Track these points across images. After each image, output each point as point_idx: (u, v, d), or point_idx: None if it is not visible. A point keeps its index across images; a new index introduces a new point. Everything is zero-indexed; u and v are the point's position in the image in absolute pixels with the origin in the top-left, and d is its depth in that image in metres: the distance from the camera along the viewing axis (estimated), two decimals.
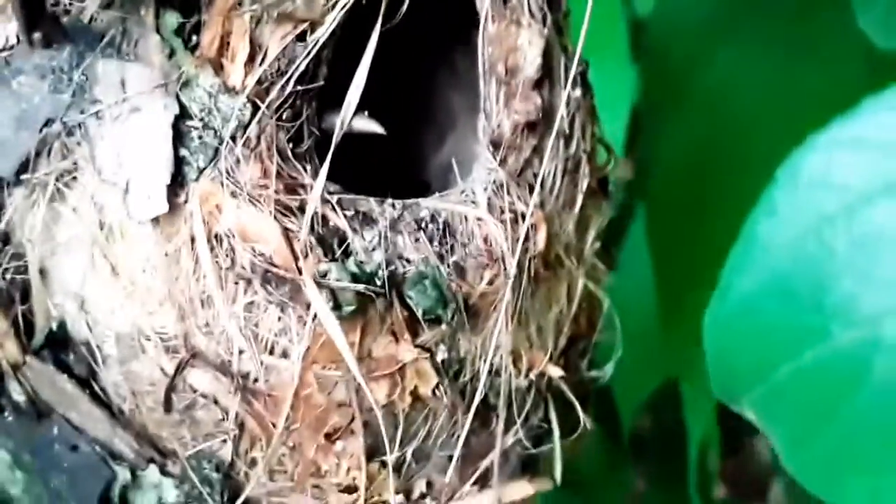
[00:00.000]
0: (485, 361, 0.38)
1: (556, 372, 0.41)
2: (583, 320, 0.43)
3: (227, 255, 0.36)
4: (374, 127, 0.39)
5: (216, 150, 0.36)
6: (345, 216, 0.37)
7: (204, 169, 0.36)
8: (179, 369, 0.36)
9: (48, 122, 0.36)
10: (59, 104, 0.36)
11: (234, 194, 0.36)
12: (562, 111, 0.40)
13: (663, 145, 0.58)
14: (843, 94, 0.57)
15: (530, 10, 0.40)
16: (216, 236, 0.36)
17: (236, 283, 0.36)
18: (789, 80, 0.58)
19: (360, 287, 0.36)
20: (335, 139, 0.37)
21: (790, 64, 0.57)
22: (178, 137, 0.36)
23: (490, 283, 0.38)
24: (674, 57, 0.54)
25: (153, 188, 0.36)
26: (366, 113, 0.38)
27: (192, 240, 0.36)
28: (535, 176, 0.40)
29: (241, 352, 0.36)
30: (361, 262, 0.36)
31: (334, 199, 0.37)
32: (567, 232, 0.41)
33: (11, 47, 0.37)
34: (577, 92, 0.41)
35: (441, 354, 0.38)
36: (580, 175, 0.41)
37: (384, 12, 0.37)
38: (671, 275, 0.58)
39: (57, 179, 0.37)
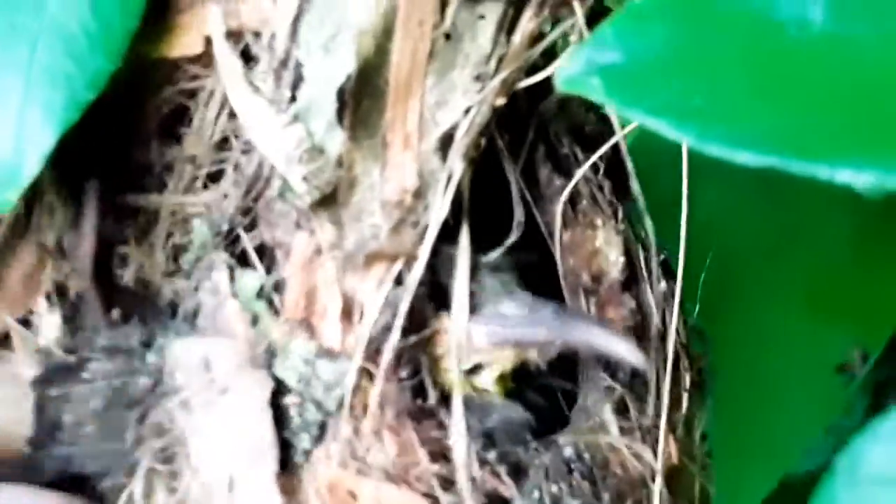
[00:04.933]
0: None
1: None
2: None
3: None
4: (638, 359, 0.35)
5: (322, 426, 0.32)
6: (504, 475, 0.33)
7: (311, 450, 0.32)
8: None
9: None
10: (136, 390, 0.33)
11: (363, 473, 0.32)
12: (656, 311, 0.37)
13: None
14: (828, 240, 0.55)
15: (601, 208, 0.37)
16: None
17: None
18: (773, 224, 0.56)
19: None
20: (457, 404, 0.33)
21: (773, 208, 0.55)
22: (277, 417, 0.32)
23: None
24: (654, 196, 0.53)
25: (261, 481, 0.31)
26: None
27: None
28: (645, 384, 0.37)
29: None
30: None
31: (490, 455, 0.33)
32: (679, 434, 0.38)
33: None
34: (663, 284, 0.38)
35: None
36: (681, 371, 0.38)
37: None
38: None
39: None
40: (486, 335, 0.34)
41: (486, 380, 0.35)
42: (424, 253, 0.33)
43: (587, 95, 0.25)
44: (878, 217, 0.55)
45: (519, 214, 0.36)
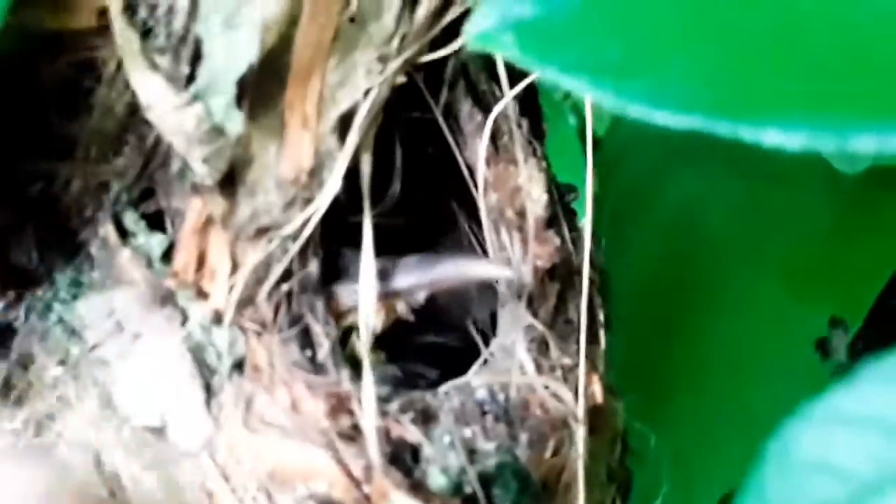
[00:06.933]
0: None
1: None
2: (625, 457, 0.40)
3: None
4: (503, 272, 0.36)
5: (207, 387, 0.32)
6: (410, 422, 0.32)
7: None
8: None
9: None
10: None
11: (260, 432, 0.32)
12: (587, 246, 0.37)
13: (624, 265, 0.56)
14: (806, 214, 0.56)
15: (521, 145, 0.37)
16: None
17: None
18: (751, 199, 0.56)
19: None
20: (365, 340, 0.33)
21: (751, 183, 0.55)
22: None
23: (555, 452, 0.34)
24: (631, 177, 0.52)
25: (192, 412, 0.32)
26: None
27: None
28: (568, 322, 0.37)
29: None
30: (444, 471, 0.32)
31: (393, 406, 0.32)
32: (600, 371, 0.37)
33: None
34: (583, 222, 0.38)
35: None
36: (596, 307, 0.38)
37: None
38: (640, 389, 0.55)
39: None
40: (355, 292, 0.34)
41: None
42: (311, 224, 0.33)
43: (500, 53, 0.23)
44: (856, 191, 0.54)
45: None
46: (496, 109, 0.36)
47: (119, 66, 0.32)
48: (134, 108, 0.33)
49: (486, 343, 0.37)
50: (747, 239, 0.57)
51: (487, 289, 0.40)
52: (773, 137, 0.21)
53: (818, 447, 0.22)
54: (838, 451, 0.22)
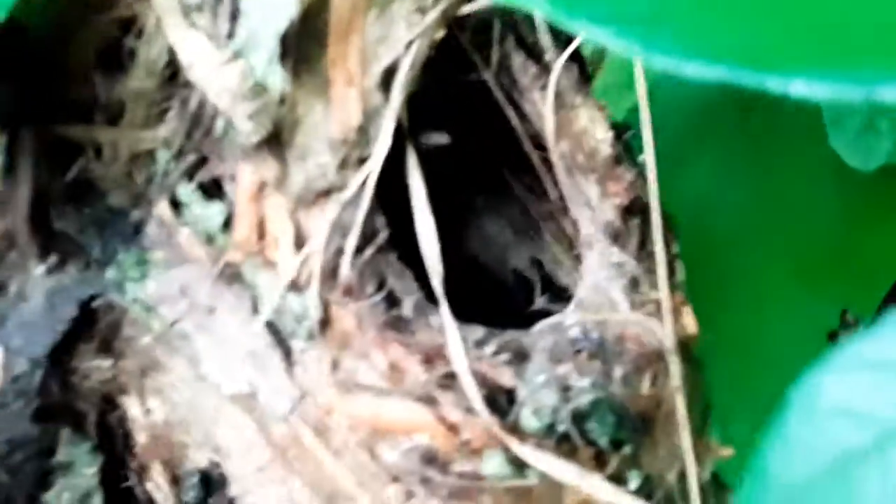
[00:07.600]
0: (677, 470, 0.35)
1: (728, 452, 0.38)
2: None
3: (367, 459, 0.32)
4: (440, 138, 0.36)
5: (287, 353, 0.33)
6: (505, 364, 0.32)
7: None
8: None
9: None
10: None
11: (355, 394, 0.32)
12: (652, 178, 0.37)
13: None
14: (818, 208, 0.55)
15: (576, 90, 0.37)
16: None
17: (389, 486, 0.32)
18: (763, 193, 0.56)
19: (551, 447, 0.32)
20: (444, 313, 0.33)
21: (763, 177, 0.54)
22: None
23: (653, 383, 0.34)
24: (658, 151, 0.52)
25: (276, 380, 0.32)
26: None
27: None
28: (649, 256, 0.37)
29: None
30: (537, 412, 0.32)
31: (487, 350, 0.32)
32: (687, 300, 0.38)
33: None
34: (642, 157, 0.38)
35: (634, 482, 0.33)
36: (670, 241, 0.38)
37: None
38: None
39: None
40: None
41: None
42: (370, 185, 0.33)
43: (529, 7, 0.23)
44: (867, 184, 0.54)
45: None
46: (560, 59, 0.36)
47: (158, 22, 0.32)
48: (175, 71, 0.33)
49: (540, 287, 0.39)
50: (759, 232, 0.57)
51: (525, 234, 0.40)
52: (800, 88, 0.21)
53: (841, 393, 0.23)
54: (861, 397, 0.22)
